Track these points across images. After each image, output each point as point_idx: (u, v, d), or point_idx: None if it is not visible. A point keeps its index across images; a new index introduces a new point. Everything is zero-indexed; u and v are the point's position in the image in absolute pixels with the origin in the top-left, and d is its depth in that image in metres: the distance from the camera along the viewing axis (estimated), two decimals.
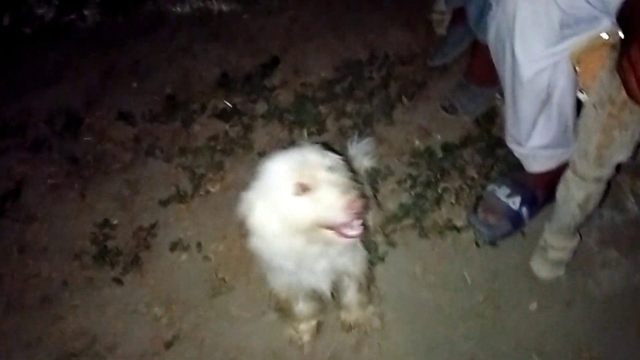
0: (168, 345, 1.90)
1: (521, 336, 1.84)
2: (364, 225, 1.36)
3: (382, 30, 2.94)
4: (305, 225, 1.35)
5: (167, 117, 2.62)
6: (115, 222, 2.26)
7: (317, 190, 1.32)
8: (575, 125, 1.74)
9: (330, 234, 1.35)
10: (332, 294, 1.74)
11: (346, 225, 1.33)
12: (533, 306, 1.91)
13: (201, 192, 2.31)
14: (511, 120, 1.90)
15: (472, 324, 1.88)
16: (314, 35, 2.98)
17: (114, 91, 2.79)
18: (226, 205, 2.24)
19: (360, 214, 1.31)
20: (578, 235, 1.90)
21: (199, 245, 2.13)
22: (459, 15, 2.61)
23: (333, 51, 2.87)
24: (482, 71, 2.41)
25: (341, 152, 1.62)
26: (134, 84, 2.82)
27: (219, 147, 2.45)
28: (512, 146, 2.02)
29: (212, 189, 2.32)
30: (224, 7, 3.19)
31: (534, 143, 1.88)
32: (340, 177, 1.37)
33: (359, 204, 1.30)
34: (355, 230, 1.35)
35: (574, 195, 1.71)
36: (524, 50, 1.59)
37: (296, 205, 1.34)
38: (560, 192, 1.76)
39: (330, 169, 1.37)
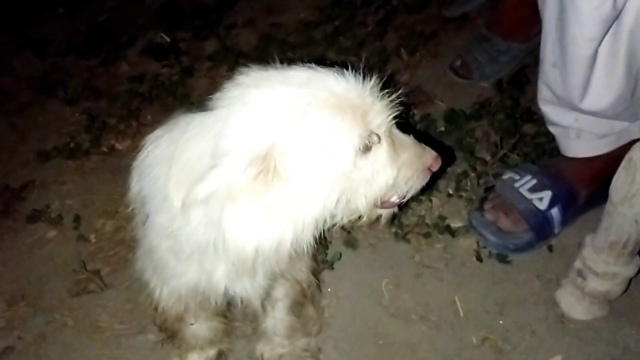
0: None
1: None
2: None
3: None
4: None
5: (88, 50, 2.00)
6: None
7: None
8: None
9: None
10: (262, 305, 1.13)
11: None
12: None
13: (104, 149, 1.68)
14: (551, 58, 1.21)
15: None
16: None
17: (31, 15, 2.16)
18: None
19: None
20: (638, 257, 1.20)
21: (77, 219, 1.49)
22: None
23: None
24: (512, 17, 1.73)
25: None
26: (60, 9, 2.19)
27: (141, 91, 1.80)
28: (547, 110, 1.34)
29: (119, 146, 1.68)
30: None
31: (590, 105, 1.19)
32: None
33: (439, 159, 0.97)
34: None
35: None
36: None
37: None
38: (620, 182, 1.07)
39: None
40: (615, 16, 1.06)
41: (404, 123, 0.96)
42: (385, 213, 1.00)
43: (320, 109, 0.82)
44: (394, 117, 0.91)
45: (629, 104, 1.20)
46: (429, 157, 0.95)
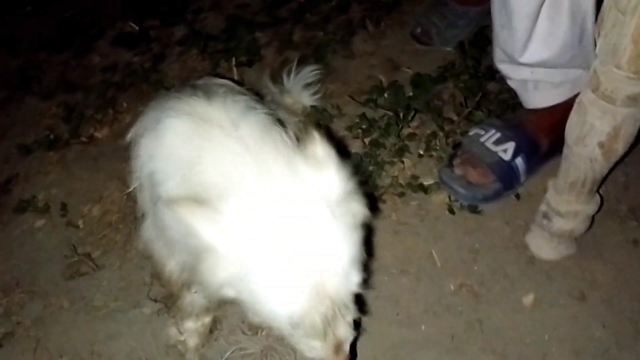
0: None
1: (509, 341, 1.25)
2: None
3: None
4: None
5: (59, 44, 2.02)
6: None
7: None
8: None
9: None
10: None
11: None
12: (528, 299, 1.32)
13: (83, 138, 1.71)
14: (501, 21, 1.28)
15: (439, 322, 1.30)
16: None
17: None
18: (113, 156, 1.64)
19: None
20: (598, 196, 1.29)
21: (63, 207, 1.53)
22: None
23: None
24: None
25: None
26: (28, 7, 2.20)
27: (115, 80, 1.84)
28: (503, 68, 1.41)
29: (98, 134, 1.72)
30: None
31: (533, 55, 1.27)
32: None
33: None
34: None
35: (594, 128, 1.09)
36: None
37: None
38: (573, 123, 1.14)
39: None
40: None
41: None
42: None
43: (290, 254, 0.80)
44: None
45: (578, 51, 1.27)
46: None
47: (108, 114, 1.75)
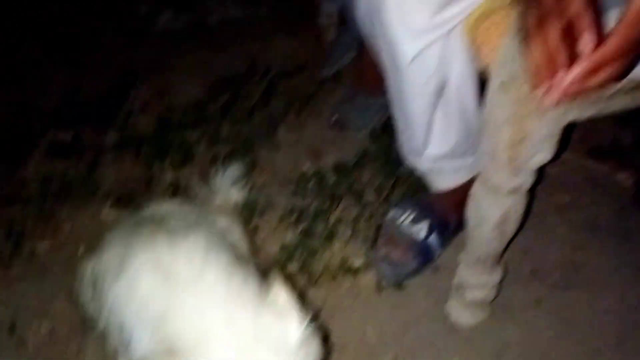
0: None
1: None
2: None
3: (265, 41, 2.51)
4: None
5: None
6: None
7: None
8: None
9: None
10: None
11: None
12: None
13: (25, 253, 1.76)
14: (402, 125, 1.48)
15: None
16: (185, 51, 2.51)
17: None
18: (57, 269, 1.70)
19: None
20: (501, 266, 1.48)
21: (11, 326, 1.57)
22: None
23: (207, 67, 2.42)
24: (371, 76, 1.99)
25: None
26: None
27: (52, 191, 1.91)
28: (409, 160, 1.60)
29: (40, 248, 1.77)
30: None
31: (433, 151, 1.47)
32: None
33: None
34: None
35: (488, 215, 1.29)
36: (401, 20, 1.18)
37: None
38: (471, 212, 1.34)
39: None
40: (444, 84, 1.34)
41: None
42: None
43: None
44: None
45: (469, 145, 1.49)
46: None
47: (48, 227, 1.81)
